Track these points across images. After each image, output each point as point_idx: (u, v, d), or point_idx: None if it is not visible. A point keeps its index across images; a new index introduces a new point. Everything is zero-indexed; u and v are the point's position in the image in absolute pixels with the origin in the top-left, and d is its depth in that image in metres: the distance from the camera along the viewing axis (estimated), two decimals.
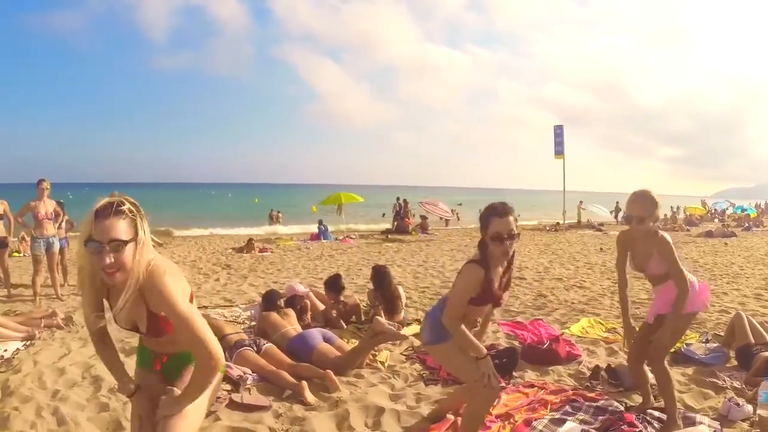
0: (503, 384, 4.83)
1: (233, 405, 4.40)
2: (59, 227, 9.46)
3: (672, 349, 5.57)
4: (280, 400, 4.56)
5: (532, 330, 6.58)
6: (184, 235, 25.34)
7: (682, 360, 5.38)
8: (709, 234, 23.35)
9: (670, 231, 26.57)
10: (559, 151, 26.74)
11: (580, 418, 4.13)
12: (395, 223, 25.57)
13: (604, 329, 6.83)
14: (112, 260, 2.27)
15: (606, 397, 4.51)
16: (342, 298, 7.22)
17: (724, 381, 4.79)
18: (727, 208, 42.56)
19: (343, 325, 6.84)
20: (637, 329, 4.23)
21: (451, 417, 4.07)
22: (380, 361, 5.49)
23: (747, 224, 29.79)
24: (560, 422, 4.06)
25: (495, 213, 3.28)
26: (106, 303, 2.60)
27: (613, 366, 5.05)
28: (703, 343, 5.78)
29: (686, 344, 5.61)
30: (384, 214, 34.28)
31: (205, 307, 8.10)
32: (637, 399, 4.43)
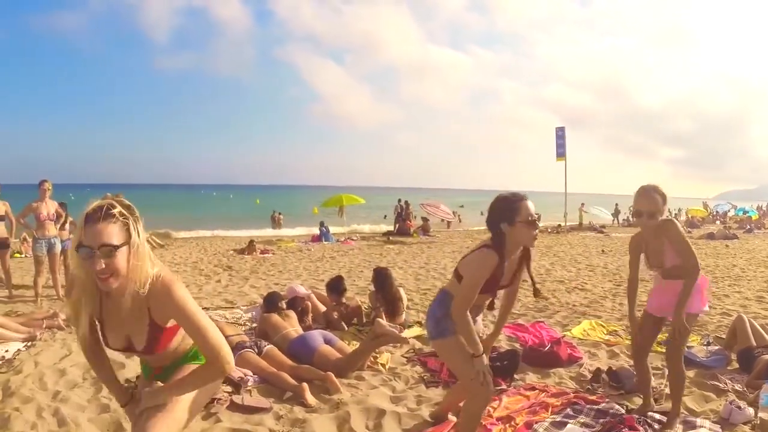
0: (504, 386, 4.83)
1: (234, 407, 4.39)
2: (62, 228, 9.46)
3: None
4: (281, 402, 4.55)
5: (533, 332, 6.58)
6: (185, 236, 25.35)
7: (684, 362, 5.37)
8: (710, 236, 23.32)
9: None
10: (560, 153, 26.73)
11: (581, 420, 4.12)
12: (397, 225, 25.57)
13: (605, 332, 6.82)
14: (104, 266, 2.22)
15: (607, 399, 4.50)
16: (344, 300, 7.21)
17: (726, 384, 4.78)
18: (729, 210, 42.54)
19: (344, 327, 6.83)
20: (643, 323, 4.25)
21: (453, 418, 4.07)
22: (381, 363, 5.48)
23: (749, 226, 29.78)
24: (561, 425, 4.05)
25: (519, 197, 3.23)
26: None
27: (614, 369, 5.05)
28: (705, 345, 5.78)
29: (687, 347, 5.59)
30: (386, 216, 34.32)
31: (207, 309, 8.09)
32: (638, 401, 4.42)
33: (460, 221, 34.77)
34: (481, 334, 3.70)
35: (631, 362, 5.45)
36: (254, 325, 6.82)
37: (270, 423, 4.16)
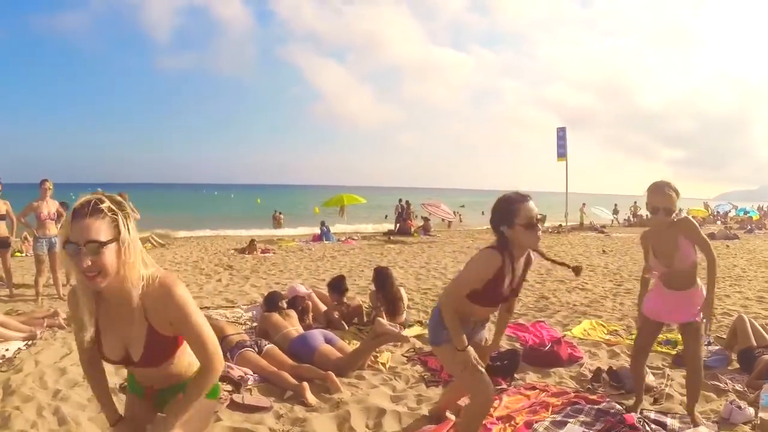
0: (504, 386, 4.83)
1: (234, 406, 4.40)
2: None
3: (673, 351, 5.57)
4: (281, 401, 4.55)
5: (533, 332, 6.58)
6: (186, 235, 25.36)
7: (683, 363, 5.37)
8: (711, 236, 23.26)
9: None
10: (561, 154, 26.71)
11: (581, 420, 4.12)
12: (397, 225, 25.57)
13: (606, 331, 6.83)
14: (90, 263, 2.10)
15: (608, 399, 4.50)
16: (345, 300, 7.21)
17: (726, 384, 4.78)
18: (730, 211, 42.50)
19: (345, 326, 6.83)
20: (642, 324, 4.24)
21: (451, 416, 4.07)
22: (381, 363, 5.49)
23: (749, 227, 29.76)
24: (561, 424, 4.05)
25: (520, 199, 3.13)
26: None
27: (614, 368, 5.04)
28: (705, 345, 5.77)
29: None
30: (387, 216, 34.33)
31: (207, 308, 8.11)
32: None
33: (461, 221, 34.77)
34: (482, 343, 3.66)
35: None
36: (255, 324, 6.82)
37: (270, 422, 4.17)
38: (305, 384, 4.67)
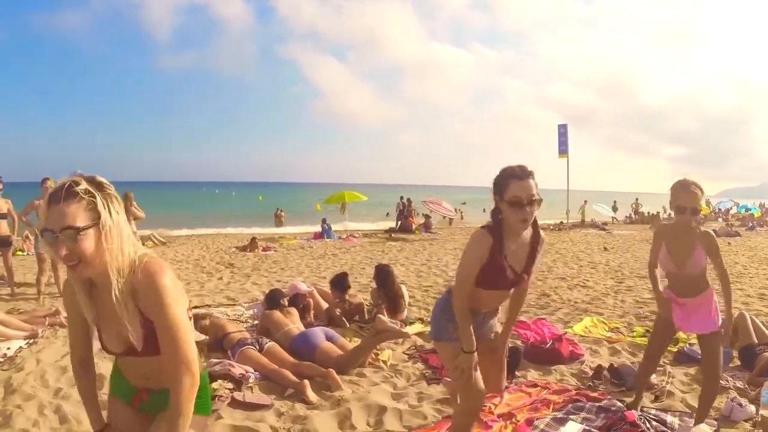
0: (505, 383, 4.83)
1: (235, 403, 4.40)
2: None
3: (674, 349, 5.57)
4: (282, 399, 4.56)
5: (535, 329, 6.57)
6: (187, 233, 25.36)
7: (685, 360, 5.37)
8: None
9: None
10: (563, 151, 26.68)
11: (583, 417, 4.12)
12: (399, 222, 25.56)
13: (607, 329, 6.82)
14: (68, 251, 1.92)
15: (608, 396, 4.50)
16: (347, 297, 7.22)
17: (727, 381, 4.77)
18: (731, 208, 42.48)
19: (346, 323, 6.83)
20: (661, 328, 4.12)
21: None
22: (382, 360, 5.49)
23: (751, 224, 29.74)
24: (562, 422, 4.05)
25: (513, 175, 2.90)
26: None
27: (615, 365, 5.04)
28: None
29: (689, 344, 5.60)
30: (388, 214, 34.28)
31: (209, 306, 8.12)
32: None
33: (462, 218, 34.75)
34: (491, 336, 3.42)
35: (633, 359, 5.46)
36: (256, 322, 6.82)
37: (271, 420, 4.17)
38: (306, 382, 4.67)
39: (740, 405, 4.10)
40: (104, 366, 5.01)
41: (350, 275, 7.74)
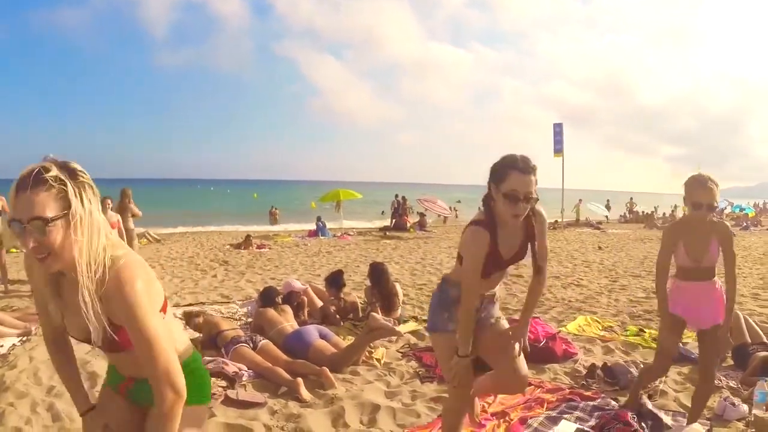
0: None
1: (228, 402, 4.39)
2: None
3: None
4: (276, 397, 4.55)
5: (532, 329, 6.58)
6: (182, 231, 25.31)
7: (678, 359, 5.37)
8: None
9: None
10: (558, 150, 26.73)
11: (576, 416, 4.13)
12: (393, 221, 25.58)
13: (600, 327, 6.83)
14: (36, 243, 1.77)
15: (602, 395, 4.51)
16: (342, 295, 7.21)
17: (720, 380, 4.78)
18: (726, 208, 42.58)
19: (340, 321, 6.83)
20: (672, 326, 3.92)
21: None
22: (376, 359, 5.49)
23: (745, 223, 29.80)
24: (556, 420, 4.06)
25: (515, 166, 2.74)
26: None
27: (609, 364, 5.05)
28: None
29: (683, 343, 5.60)
30: (383, 212, 34.27)
31: (203, 303, 8.12)
32: None
33: (456, 217, 34.77)
34: (492, 321, 3.24)
35: (626, 358, 5.47)
36: (250, 319, 6.81)
37: (265, 418, 4.16)
38: (299, 380, 4.67)
39: (733, 404, 4.11)
40: (97, 364, 5.02)
41: (345, 273, 7.73)
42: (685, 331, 4.07)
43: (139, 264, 1.93)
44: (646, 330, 6.56)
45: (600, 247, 17.47)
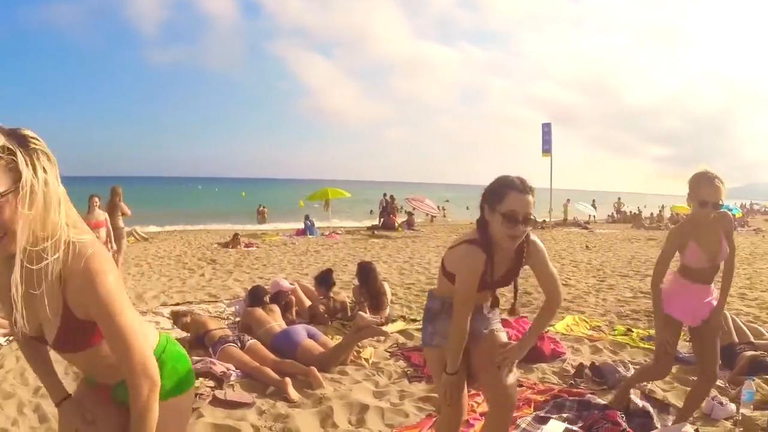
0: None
1: (216, 402, 4.37)
2: None
3: (653, 346, 5.59)
4: (264, 397, 4.53)
5: (516, 327, 6.58)
6: (169, 229, 25.21)
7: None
8: None
9: (655, 229, 26.72)
10: (546, 150, 26.84)
11: (564, 416, 4.13)
12: (381, 220, 25.59)
13: (588, 327, 6.85)
14: None
15: (590, 394, 4.51)
16: (331, 295, 7.20)
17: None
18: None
19: (328, 321, 6.81)
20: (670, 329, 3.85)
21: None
22: (364, 358, 5.48)
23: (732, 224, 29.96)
24: (544, 420, 4.05)
25: (514, 186, 2.65)
26: None
27: (597, 364, 5.06)
28: (687, 341, 5.80)
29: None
30: (372, 211, 34.28)
31: (190, 303, 8.08)
32: None
33: (444, 216, 34.81)
34: (485, 331, 3.09)
35: (614, 357, 5.48)
36: (237, 319, 6.79)
37: (253, 418, 4.14)
38: (287, 380, 4.65)
39: (721, 404, 4.12)
40: None
41: (333, 272, 7.72)
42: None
43: (107, 254, 1.78)
44: (633, 329, 6.59)
45: (588, 247, 17.54)
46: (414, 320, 7.00)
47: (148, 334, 1.94)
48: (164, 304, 7.85)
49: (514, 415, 4.11)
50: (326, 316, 6.87)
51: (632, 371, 4.86)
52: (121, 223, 11.20)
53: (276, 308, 6.25)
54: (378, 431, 4.01)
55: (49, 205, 1.64)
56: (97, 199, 10.12)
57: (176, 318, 6.18)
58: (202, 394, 4.38)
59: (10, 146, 1.59)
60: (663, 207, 38.58)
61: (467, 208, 34.75)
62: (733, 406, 4.12)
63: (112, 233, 10.25)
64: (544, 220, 28.69)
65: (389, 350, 5.83)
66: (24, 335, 1.83)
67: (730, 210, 39.30)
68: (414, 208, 27.56)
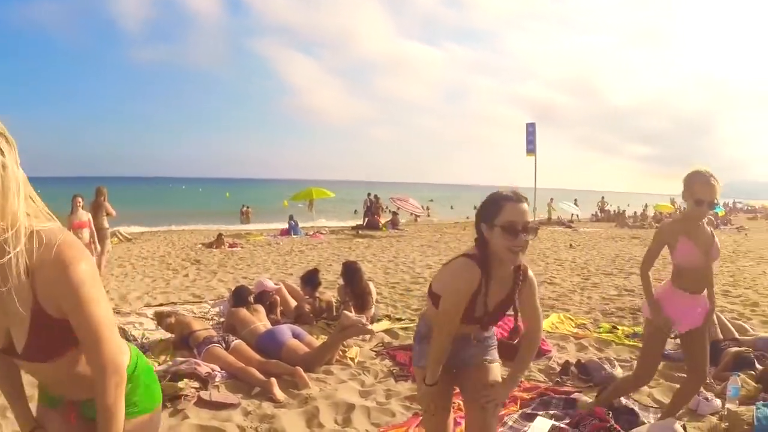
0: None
1: (201, 403, 4.33)
2: None
3: (641, 344, 5.60)
4: (249, 398, 4.50)
5: (502, 325, 6.57)
6: (153, 230, 25.06)
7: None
8: None
9: (639, 228, 26.87)
10: (530, 150, 26.92)
11: (551, 413, 4.13)
12: (366, 219, 25.56)
13: (573, 325, 6.87)
14: None
15: (576, 391, 4.51)
16: (317, 294, 7.17)
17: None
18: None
19: (314, 321, 6.78)
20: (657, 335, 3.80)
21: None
22: (350, 358, 5.46)
23: (715, 222, 30.19)
24: (531, 417, 4.06)
25: (508, 198, 2.54)
26: None
27: (582, 361, 5.08)
28: (672, 338, 5.82)
29: None
30: (356, 211, 34.27)
31: (174, 303, 8.01)
32: None
33: (428, 215, 34.85)
34: (472, 361, 2.93)
35: (600, 355, 5.49)
36: (222, 319, 6.74)
37: (238, 419, 4.11)
38: (273, 380, 4.62)
39: (706, 399, 4.15)
40: None
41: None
42: None
43: (78, 241, 1.63)
44: (618, 327, 6.61)
45: (572, 246, 17.60)
46: (399, 319, 6.99)
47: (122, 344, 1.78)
48: (148, 305, 7.78)
49: (501, 413, 4.11)
50: (312, 315, 6.84)
51: (618, 368, 4.89)
52: (105, 223, 11.08)
53: (261, 308, 6.21)
54: (365, 430, 3.99)
55: (7, 191, 1.49)
56: (80, 199, 10.02)
57: (160, 319, 6.12)
58: (187, 395, 4.35)
59: None
60: (646, 206, 38.84)
61: (451, 207, 34.84)
62: (718, 402, 4.14)
63: (95, 234, 10.15)
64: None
65: (375, 349, 5.81)
66: None
67: (713, 208, 39.69)
68: (398, 208, 27.56)
